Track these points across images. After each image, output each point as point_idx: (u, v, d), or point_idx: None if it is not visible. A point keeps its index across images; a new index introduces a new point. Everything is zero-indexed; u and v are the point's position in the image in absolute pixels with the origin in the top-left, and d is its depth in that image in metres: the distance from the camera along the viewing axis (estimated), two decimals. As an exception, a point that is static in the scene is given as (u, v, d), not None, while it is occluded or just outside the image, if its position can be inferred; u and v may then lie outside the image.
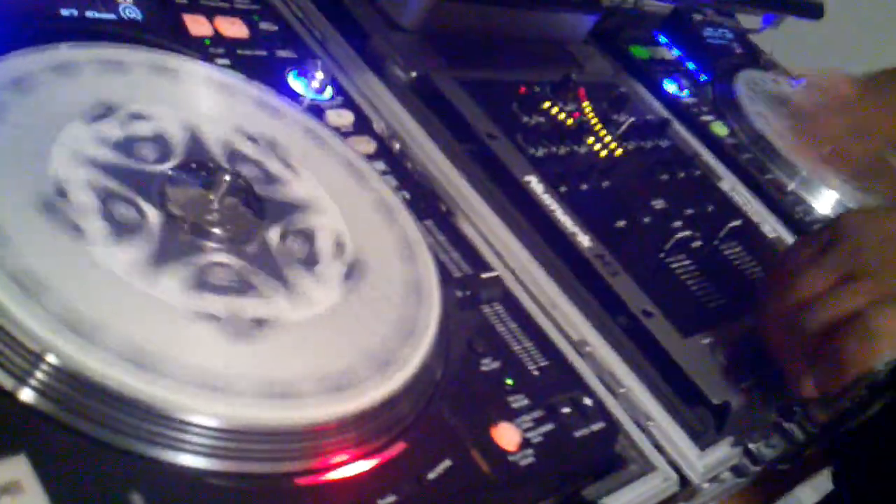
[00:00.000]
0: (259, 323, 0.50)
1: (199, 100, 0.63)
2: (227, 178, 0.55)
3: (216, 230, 0.53)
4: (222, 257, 0.52)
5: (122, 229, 0.50)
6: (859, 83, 1.07)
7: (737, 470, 0.71)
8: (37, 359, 0.42)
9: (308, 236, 0.57)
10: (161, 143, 0.57)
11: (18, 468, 0.39)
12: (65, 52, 0.58)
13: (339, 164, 0.65)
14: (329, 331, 0.53)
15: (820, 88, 1.10)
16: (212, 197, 0.54)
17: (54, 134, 0.52)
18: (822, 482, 1.08)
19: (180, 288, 0.49)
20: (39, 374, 0.42)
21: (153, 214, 0.52)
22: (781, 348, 0.68)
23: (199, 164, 0.56)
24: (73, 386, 0.43)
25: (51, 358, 0.42)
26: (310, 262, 0.56)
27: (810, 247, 0.69)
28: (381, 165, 0.70)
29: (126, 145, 0.55)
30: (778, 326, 0.67)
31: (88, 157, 0.53)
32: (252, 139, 0.61)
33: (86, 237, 0.48)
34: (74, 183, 0.51)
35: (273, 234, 0.56)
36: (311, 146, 0.65)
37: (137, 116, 0.57)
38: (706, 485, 0.65)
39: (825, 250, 0.67)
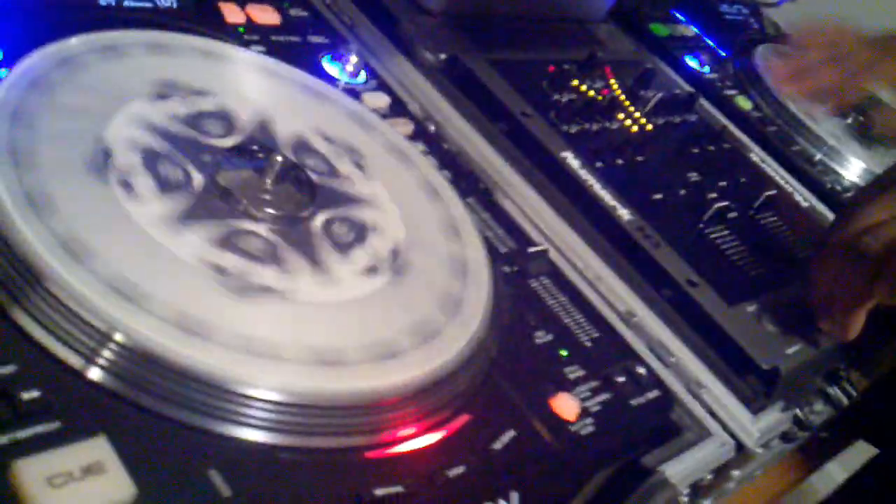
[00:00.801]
0: (265, 290, 0.49)
1: (271, 90, 0.64)
2: (280, 158, 0.55)
3: (263, 209, 0.53)
4: (258, 228, 0.52)
5: (165, 186, 0.50)
6: (855, 35, 1.07)
7: (785, 436, 0.71)
8: (104, 337, 0.42)
9: (359, 228, 0.57)
10: (227, 122, 0.57)
11: (100, 449, 0.39)
12: (121, 34, 0.58)
13: (390, 151, 0.65)
14: (371, 310, 0.53)
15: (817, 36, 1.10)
16: (265, 179, 0.55)
17: (115, 108, 0.53)
18: (850, 459, 1.08)
19: (203, 242, 0.49)
20: (107, 353, 0.42)
21: (198, 178, 0.52)
22: (839, 281, 0.68)
23: (257, 147, 0.56)
24: (141, 364, 0.43)
25: (118, 336, 0.42)
26: (351, 252, 0.55)
27: (874, 187, 0.70)
28: (420, 146, 0.70)
29: (193, 119, 0.56)
30: (838, 256, 0.68)
31: (150, 123, 0.53)
32: (328, 139, 0.61)
33: (136, 197, 0.49)
34: (128, 142, 0.51)
35: (320, 220, 0.56)
36: (387, 156, 0.65)
37: (203, 93, 0.58)
38: (759, 450, 0.65)
39: (889, 185, 0.68)
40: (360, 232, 0.57)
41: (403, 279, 0.55)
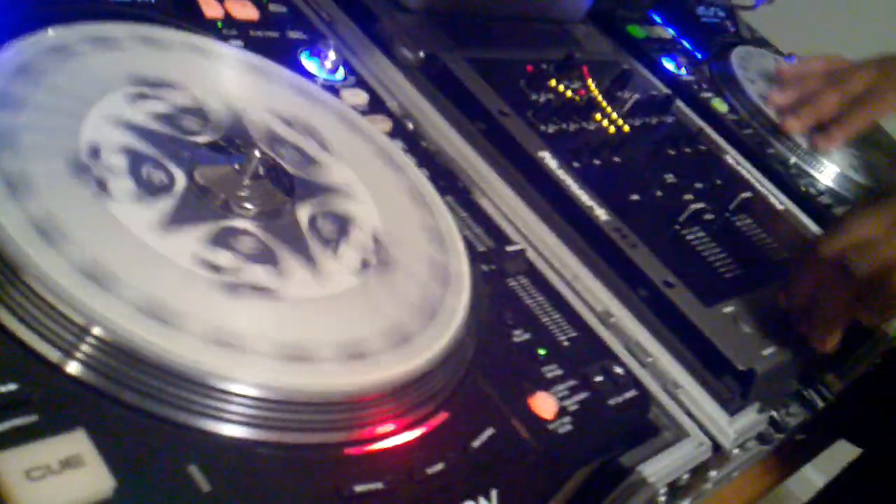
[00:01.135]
0: (259, 290, 0.49)
1: (236, 80, 0.63)
2: (258, 154, 0.55)
3: (243, 204, 0.53)
4: (248, 226, 0.52)
5: (149, 189, 0.50)
6: (848, 64, 1.08)
7: (761, 437, 0.71)
8: (83, 331, 0.42)
9: (341, 220, 0.57)
10: (202, 118, 0.57)
11: (79, 442, 0.38)
12: (102, 27, 0.57)
13: (373, 150, 0.64)
14: (355, 305, 0.52)
15: (809, 63, 1.11)
16: (242, 174, 0.54)
17: (94, 100, 0.52)
18: (826, 462, 1.09)
19: (197, 242, 0.49)
20: (86, 347, 0.42)
21: (181, 178, 0.52)
22: (820, 293, 0.68)
23: (232, 142, 0.56)
24: (119, 358, 0.42)
25: (97, 330, 0.42)
26: (336, 246, 0.55)
27: (865, 202, 0.70)
28: (398, 143, 0.70)
29: (167, 116, 0.55)
30: (823, 268, 0.68)
31: (126, 121, 0.53)
32: (287, 122, 0.61)
33: (113, 196, 0.48)
34: (108, 144, 0.50)
35: (304, 213, 0.56)
36: (344, 132, 0.64)
37: (176, 88, 0.58)
38: (736, 450, 0.65)
39: (880, 200, 0.68)
40: (343, 224, 0.56)
41: (386, 273, 0.55)
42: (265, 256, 0.51)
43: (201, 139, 0.56)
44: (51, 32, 0.55)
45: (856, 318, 0.70)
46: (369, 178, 0.62)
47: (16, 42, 0.53)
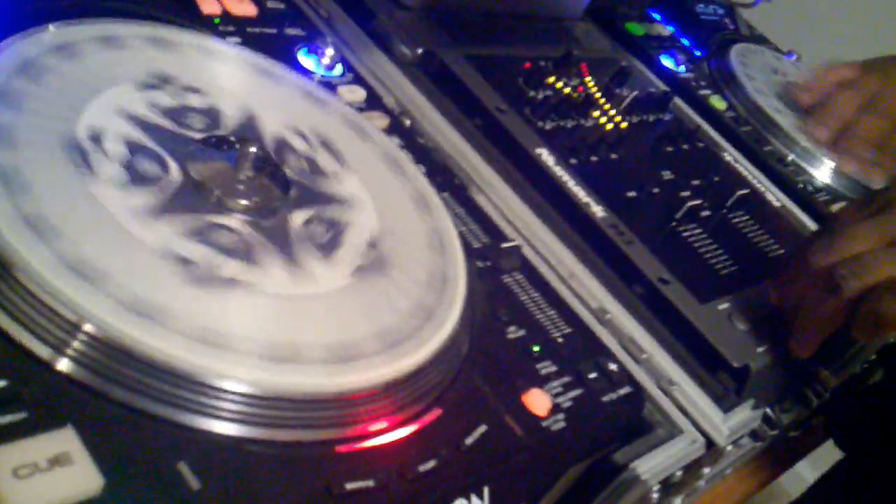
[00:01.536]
0: (231, 282, 0.49)
1: (250, 86, 0.63)
2: (253, 149, 0.55)
3: (236, 200, 0.53)
4: (232, 222, 0.52)
5: (140, 179, 0.50)
6: (860, 66, 1.08)
7: (755, 434, 0.71)
8: (73, 327, 0.42)
9: (337, 227, 0.57)
10: (210, 118, 0.57)
11: (67, 440, 0.38)
12: (110, 25, 0.58)
13: (381, 159, 0.64)
14: (346, 303, 0.52)
15: (822, 73, 1.11)
16: (237, 169, 0.54)
17: (95, 95, 0.53)
18: (820, 458, 1.09)
19: (174, 235, 0.48)
20: (76, 344, 0.42)
21: (176, 172, 0.52)
22: (806, 302, 0.67)
23: (235, 139, 0.56)
24: (109, 355, 0.42)
25: (87, 327, 0.42)
26: (328, 248, 0.55)
27: (861, 210, 0.68)
28: (395, 140, 0.70)
29: (173, 113, 0.55)
30: (810, 279, 0.67)
31: (129, 113, 0.53)
32: (302, 134, 0.61)
33: (101, 181, 0.48)
34: (108, 133, 0.51)
35: (298, 217, 0.55)
36: (355, 140, 0.65)
37: (190, 89, 0.58)
38: (730, 447, 0.65)
39: (877, 213, 0.67)
40: (338, 231, 0.56)
41: (380, 272, 0.55)
42: (243, 252, 0.50)
43: (199, 136, 0.56)
44: (52, 29, 0.55)
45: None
46: (373, 183, 0.62)
47: (16, 38, 0.53)
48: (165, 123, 0.55)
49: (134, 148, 0.51)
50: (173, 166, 0.52)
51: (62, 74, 0.53)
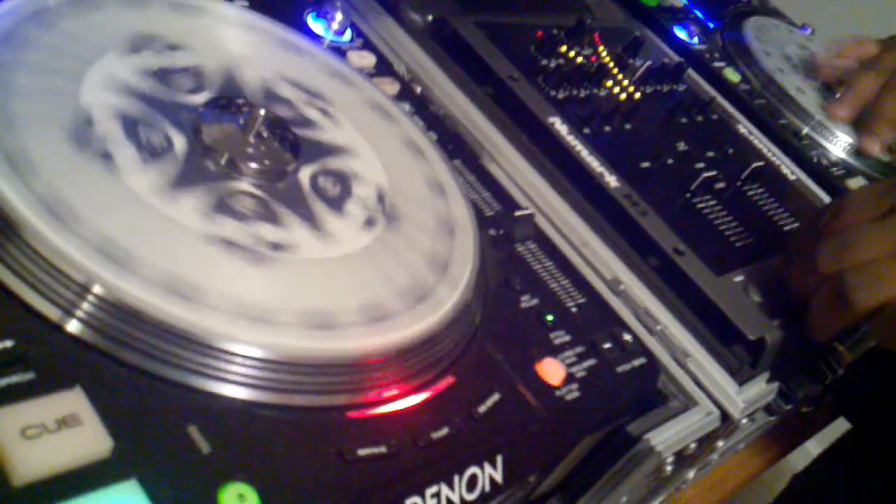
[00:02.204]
0: (276, 246, 0.48)
1: (236, 40, 0.62)
2: (263, 113, 0.54)
3: (247, 164, 0.52)
4: (248, 187, 0.51)
5: (150, 154, 0.49)
6: (882, 43, 1.06)
7: (769, 408, 0.71)
8: (83, 289, 0.41)
9: (343, 179, 0.56)
10: (196, 76, 0.55)
11: (75, 401, 0.38)
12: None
13: (371, 108, 0.63)
14: (362, 266, 0.52)
15: (842, 50, 1.09)
16: (247, 133, 0.53)
17: (88, 63, 0.51)
18: (829, 435, 1.09)
19: (199, 211, 0.48)
20: (86, 306, 0.41)
21: (180, 142, 0.51)
22: (822, 305, 0.65)
23: (233, 100, 0.55)
24: (120, 318, 0.41)
25: (97, 289, 0.41)
26: (341, 203, 0.54)
27: (871, 205, 0.64)
28: (406, 107, 0.69)
29: (161, 75, 0.54)
30: (821, 280, 0.64)
31: (122, 84, 0.51)
32: (291, 83, 0.60)
33: (115, 163, 0.47)
34: (104, 109, 0.49)
35: (306, 174, 0.55)
36: (344, 91, 0.63)
37: (174, 48, 0.56)
38: (744, 420, 0.64)
39: (888, 214, 0.62)
40: (345, 182, 0.55)
41: (394, 232, 0.54)
42: (268, 216, 0.50)
43: (198, 98, 0.54)
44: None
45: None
46: (370, 134, 0.61)
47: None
48: (156, 88, 0.53)
49: (137, 123, 0.50)
50: (176, 135, 0.51)
51: (46, 43, 0.52)
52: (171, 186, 0.48)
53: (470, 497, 0.46)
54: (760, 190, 0.83)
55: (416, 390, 0.49)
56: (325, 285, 0.49)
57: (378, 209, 0.55)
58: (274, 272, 0.47)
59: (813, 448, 1.40)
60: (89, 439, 0.37)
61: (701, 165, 0.81)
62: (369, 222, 0.54)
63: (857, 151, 1.01)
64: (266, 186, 0.52)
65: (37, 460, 0.35)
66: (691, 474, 0.68)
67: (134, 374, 0.41)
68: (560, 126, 0.75)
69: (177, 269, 0.43)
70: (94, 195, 0.45)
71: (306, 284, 0.48)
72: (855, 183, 0.95)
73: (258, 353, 0.43)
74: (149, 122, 0.51)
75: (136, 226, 0.45)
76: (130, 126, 0.49)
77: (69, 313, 0.41)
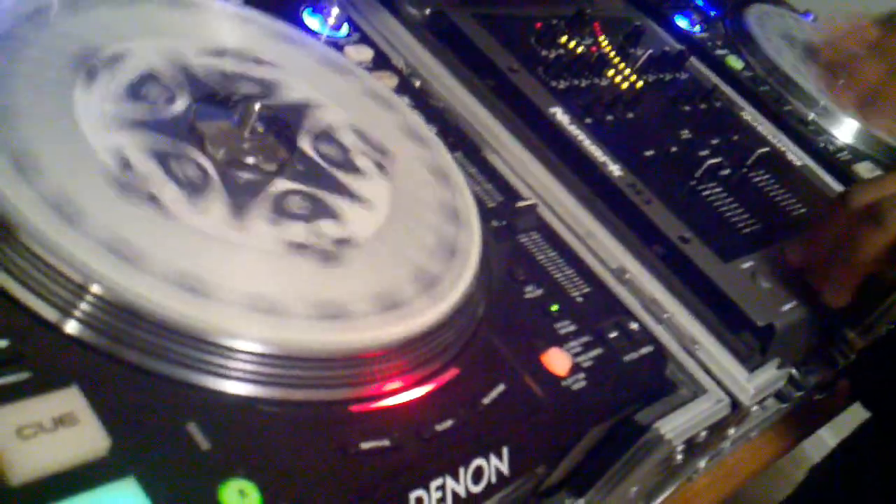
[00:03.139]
0: (341, 242, 0.49)
1: (169, 24, 0.60)
2: (257, 107, 0.53)
3: (244, 157, 0.51)
4: (286, 185, 0.51)
5: (193, 188, 0.48)
6: (882, 25, 1.05)
7: (780, 395, 0.70)
8: (79, 289, 0.41)
9: (329, 136, 0.56)
10: (157, 82, 0.54)
11: (72, 400, 0.37)
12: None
13: (371, 97, 0.63)
14: (364, 259, 0.51)
15: (842, 35, 1.08)
16: (243, 130, 0.53)
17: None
18: (842, 423, 1.08)
19: (266, 224, 0.48)
20: (83, 305, 0.41)
21: (209, 166, 0.50)
22: (843, 245, 0.66)
23: (215, 98, 0.54)
24: (119, 316, 0.41)
25: (95, 288, 0.41)
26: (348, 162, 0.54)
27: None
28: (406, 100, 0.68)
29: (131, 93, 0.52)
30: (851, 219, 0.66)
31: (114, 119, 0.50)
32: (220, 53, 0.59)
33: (165, 205, 0.46)
34: (129, 151, 0.48)
35: (307, 146, 0.54)
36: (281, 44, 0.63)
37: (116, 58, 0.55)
38: (755, 408, 0.64)
39: None
40: (333, 137, 0.56)
41: (399, 222, 0.54)
42: (190, 187, 0.49)
43: (177, 107, 0.53)
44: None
45: (875, 274, 0.67)
46: (367, 121, 0.61)
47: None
48: (144, 112, 0.52)
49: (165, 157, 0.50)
50: (202, 158, 0.50)
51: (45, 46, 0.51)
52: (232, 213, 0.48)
53: (476, 489, 0.46)
54: (766, 176, 0.83)
55: (420, 383, 0.48)
56: (329, 277, 0.48)
57: (372, 151, 0.55)
58: (281, 265, 0.47)
59: (828, 437, 1.40)
60: (86, 438, 0.36)
61: (705, 153, 0.81)
62: (379, 167, 0.54)
63: (866, 135, 1.00)
64: (292, 176, 0.52)
65: (34, 459, 0.35)
66: (703, 463, 0.68)
67: (131, 371, 0.40)
68: (562, 116, 0.74)
69: (184, 268, 0.43)
70: (161, 239, 0.44)
71: (309, 277, 0.48)
72: (862, 168, 0.95)
73: (258, 348, 0.43)
74: (174, 153, 0.50)
75: (148, 228, 0.44)
76: (163, 162, 0.49)
77: (65, 312, 0.40)
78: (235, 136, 0.53)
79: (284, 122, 0.55)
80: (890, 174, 0.66)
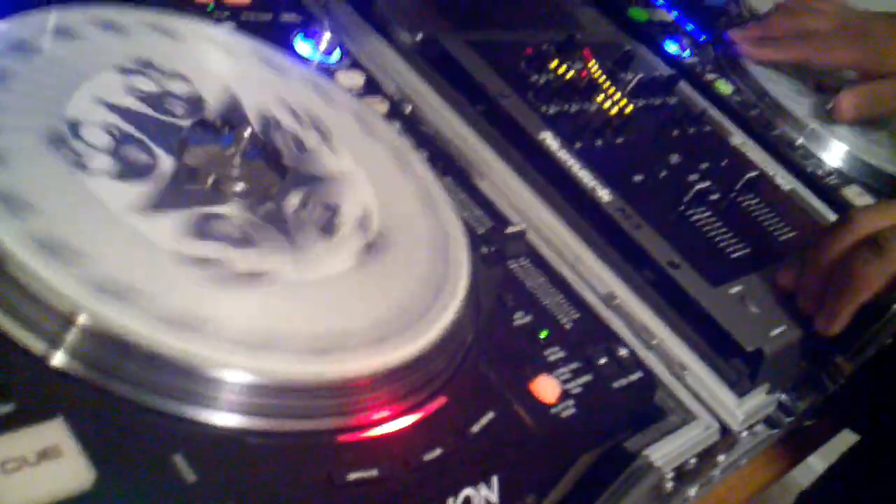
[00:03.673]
0: (252, 276, 0.47)
1: (242, 70, 0.62)
2: (248, 133, 0.53)
3: (231, 186, 0.51)
4: (228, 210, 0.50)
5: (131, 170, 0.48)
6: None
7: (770, 421, 0.70)
8: (67, 321, 0.40)
9: (332, 208, 0.55)
10: (194, 104, 0.55)
11: (56, 432, 0.37)
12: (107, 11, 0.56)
13: (382, 146, 0.63)
14: (353, 287, 0.51)
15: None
16: (231, 153, 0.53)
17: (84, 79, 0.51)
18: (832, 450, 1.07)
19: (177, 232, 0.47)
20: (68, 336, 0.40)
21: (165, 161, 0.50)
22: (845, 274, 0.66)
23: (222, 122, 0.54)
24: (102, 347, 0.41)
25: (82, 320, 0.40)
26: (327, 230, 0.54)
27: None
28: (396, 125, 0.68)
29: (156, 99, 0.53)
30: (854, 245, 0.66)
31: (112, 102, 0.51)
32: (293, 112, 0.59)
33: (92, 173, 0.46)
34: (91, 122, 0.49)
35: (293, 199, 0.54)
36: (353, 126, 0.63)
37: (175, 76, 0.56)
38: (744, 434, 0.64)
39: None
40: (336, 210, 0.55)
41: (383, 252, 0.54)
42: (245, 240, 0.49)
43: (188, 121, 0.54)
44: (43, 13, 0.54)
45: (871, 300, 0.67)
46: (360, 153, 0.60)
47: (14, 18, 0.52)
48: (148, 111, 0.53)
49: (123, 141, 0.50)
50: (162, 155, 0.50)
51: (53, 58, 0.52)
52: (154, 206, 0.47)
53: (465, 519, 0.46)
54: (755, 200, 0.83)
55: (408, 411, 0.48)
56: (314, 310, 0.48)
57: (366, 231, 0.54)
58: (263, 297, 0.47)
59: (816, 464, 1.39)
60: (71, 471, 0.36)
61: (695, 177, 0.81)
62: (362, 249, 0.53)
63: (854, 159, 1.00)
64: (252, 208, 0.51)
65: (17, 494, 0.34)
66: (693, 491, 0.67)
67: (115, 402, 0.40)
68: (551, 141, 0.75)
69: (176, 301, 0.43)
70: (62, 199, 0.44)
71: (294, 309, 0.47)
72: (850, 191, 0.95)
73: (244, 379, 0.43)
74: (137, 139, 0.50)
75: (125, 254, 0.44)
76: (118, 141, 0.49)
77: (50, 343, 0.40)
78: (222, 159, 0.53)
79: (277, 155, 0.55)
80: (894, 202, 0.65)
